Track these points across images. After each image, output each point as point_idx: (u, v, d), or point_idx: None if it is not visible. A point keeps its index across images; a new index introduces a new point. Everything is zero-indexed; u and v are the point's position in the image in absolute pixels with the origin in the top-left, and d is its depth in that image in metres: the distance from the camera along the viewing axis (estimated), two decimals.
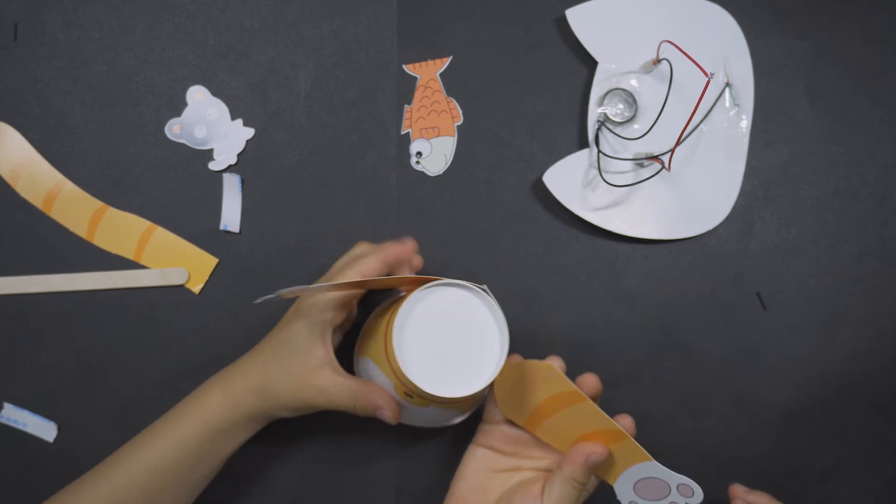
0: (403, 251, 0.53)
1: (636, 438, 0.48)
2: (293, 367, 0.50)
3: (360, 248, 0.55)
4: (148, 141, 0.61)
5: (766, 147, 0.61)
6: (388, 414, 0.50)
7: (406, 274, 0.53)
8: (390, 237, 0.61)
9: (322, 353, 0.51)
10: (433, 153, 0.62)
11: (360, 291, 0.54)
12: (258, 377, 0.51)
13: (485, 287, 0.47)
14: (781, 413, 0.60)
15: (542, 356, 0.61)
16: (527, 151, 0.61)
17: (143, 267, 0.61)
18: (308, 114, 0.62)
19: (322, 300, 0.51)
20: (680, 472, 0.48)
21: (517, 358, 0.51)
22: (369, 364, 0.52)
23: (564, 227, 0.61)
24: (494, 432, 0.52)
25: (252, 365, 0.53)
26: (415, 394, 0.47)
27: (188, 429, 0.51)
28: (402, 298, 0.48)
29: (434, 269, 0.61)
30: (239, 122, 0.62)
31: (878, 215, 0.61)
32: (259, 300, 0.49)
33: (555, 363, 0.50)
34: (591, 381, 0.51)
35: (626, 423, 0.50)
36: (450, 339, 0.47)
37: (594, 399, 0.50)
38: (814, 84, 0.61)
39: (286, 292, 0.48)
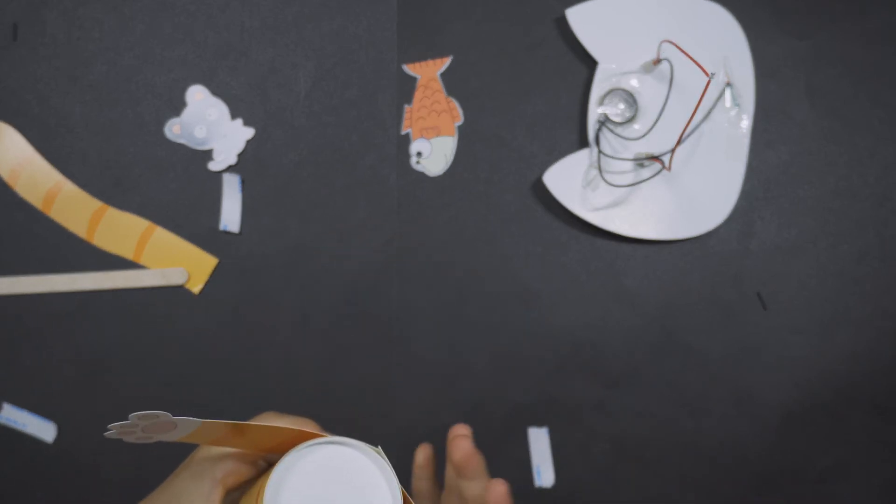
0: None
1: None
2: None
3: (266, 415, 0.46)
4: (148, 141, 0.61)
5: (766, 147, 0.61)
6: None
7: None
8: (390, 237, 0.61)
9: None
10: (433, 153, 0.62)
11: (261, 454, 0.45)
12: None
13: (378, 449, 0.40)
14: (781, 413, 0.60)
15: (541, 356, 0.61)
16: (527, 151, 0.61)
17: (142, 267, 0.62)
18: (308, 114, 0.62)
19: (216, 453, 0.43)
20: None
21: None
22: None
23: (564, 227, 0.61)
24: None
25: None
26: None
27: None
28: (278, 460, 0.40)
29: (433, 269, 0.61)
30: (239, 122, 0.62)
31: (878, 215, 0.61)
32: (112, 429, 0.36)
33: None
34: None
35: None
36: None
37: None
38: (814, 84, 0.61)
39: (140, 415, 0.36)
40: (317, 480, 0.39)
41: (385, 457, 0.39)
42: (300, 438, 0.40)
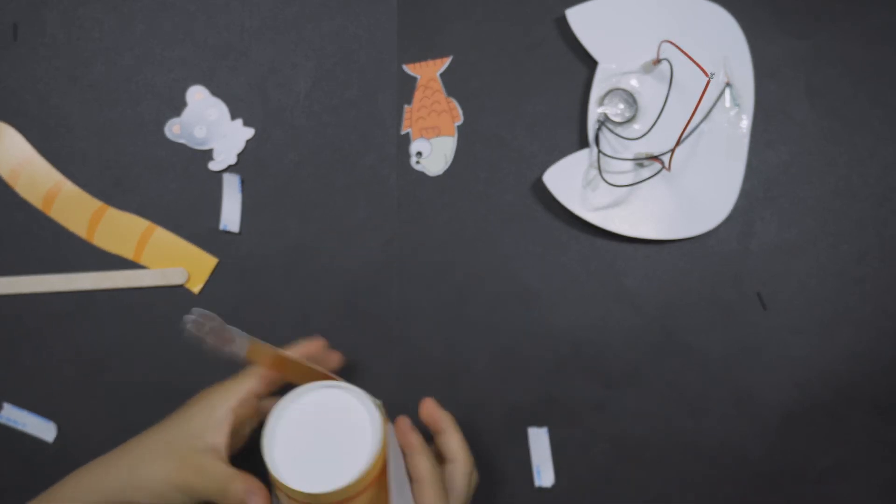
0: (314, 349, 0.55)
1: None
2: (180, 445, 0.49)
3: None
4: (148, 141, 0.61)
5: (766, 147, 0.61)
6: (257, 500, 0.47)
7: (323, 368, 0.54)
8: (390, 237, 0.61)
9: (213, 440, 0.49)
10: (433, 153, 0.62)
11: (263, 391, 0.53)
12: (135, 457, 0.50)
13: (380, 402, 0.48)
14: (781, 413, 0.60)
15: (541, 356, 0.61)
16: (527, 151, 0.61)
17: (142, 267, 0.62)
18: (308, 114, 0.62)
19: (235, 388, 0.51)
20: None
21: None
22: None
23: (564, 227, 0.61)
24: None
25: (139, 445, 0.51)
26: (293, 496, 0.46)
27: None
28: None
29: (433, 269, 0.61)
30: (239, 122, 0.62)
31: (878, 215, 0.61)
32: (190, 321, 0.47)
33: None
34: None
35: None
36: (321, 439, 0.46)
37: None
38: (814, 84, 0.61)
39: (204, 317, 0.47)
40: (308, 414, 0.47)
41: (380, 407, 0.48)
42: (323, 378, 0.50)
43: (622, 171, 0.59)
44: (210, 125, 0.61)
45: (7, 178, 0.62)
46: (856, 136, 0.61)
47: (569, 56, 0.61)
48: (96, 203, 0.62)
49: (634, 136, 0.59)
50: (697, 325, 0.61)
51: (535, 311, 0.61)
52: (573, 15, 0.60)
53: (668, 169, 0.58)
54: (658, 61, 0.58)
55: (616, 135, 0.59)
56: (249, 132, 0.61)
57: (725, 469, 0.60)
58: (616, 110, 0.60)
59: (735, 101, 0.60)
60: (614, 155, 0.59)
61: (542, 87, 0.61)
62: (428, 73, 0.62)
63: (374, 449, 0.45)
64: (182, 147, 0.61)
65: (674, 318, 0.61)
